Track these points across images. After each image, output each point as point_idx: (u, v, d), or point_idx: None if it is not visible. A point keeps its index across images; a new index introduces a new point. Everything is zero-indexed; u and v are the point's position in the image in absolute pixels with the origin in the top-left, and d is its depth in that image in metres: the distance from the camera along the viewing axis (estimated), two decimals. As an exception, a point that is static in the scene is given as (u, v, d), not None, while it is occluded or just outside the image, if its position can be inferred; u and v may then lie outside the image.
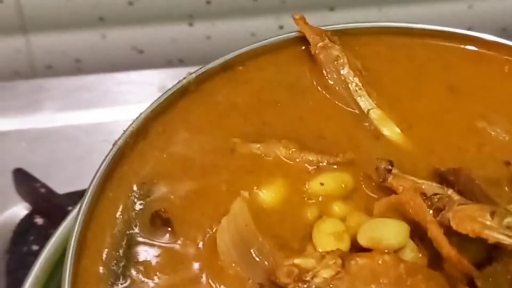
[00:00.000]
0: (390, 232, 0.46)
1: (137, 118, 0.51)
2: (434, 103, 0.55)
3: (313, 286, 0.44)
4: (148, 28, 0.98)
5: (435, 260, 0.46)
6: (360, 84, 0.55)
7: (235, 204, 0.47)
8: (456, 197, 0.46)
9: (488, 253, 0.46)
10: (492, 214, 0.44)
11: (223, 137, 0.53)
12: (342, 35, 0.58)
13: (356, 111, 0.55)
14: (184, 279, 0.46)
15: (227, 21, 1.00)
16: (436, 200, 0.46)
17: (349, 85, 0.55)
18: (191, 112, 0.54)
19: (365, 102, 0.55)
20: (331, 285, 0.44)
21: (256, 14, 1.03)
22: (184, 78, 0.54)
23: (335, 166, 0.52)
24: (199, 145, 0.52)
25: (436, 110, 0.55)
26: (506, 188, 0.51)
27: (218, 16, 1.00)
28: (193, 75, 0.54)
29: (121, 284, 0.46)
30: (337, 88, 0.56)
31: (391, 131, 0.54)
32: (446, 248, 0.43)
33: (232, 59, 0.56)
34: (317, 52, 0.56)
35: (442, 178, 0.49)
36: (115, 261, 0.47)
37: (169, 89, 0.53)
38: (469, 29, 0.61)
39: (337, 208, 0.49)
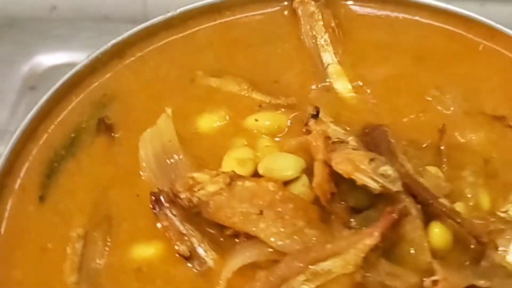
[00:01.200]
0: (284, 164, 0.50)
1: (116, 39, 0.58)
2: (395, 69, 0.58)
3: (196, 197, 0.48)
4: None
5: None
6: (328, 40, 0.59)
7: (159, 120, 0.52)
8: (353, 143, 0.49)
9: (371, 201, 0.48)
10: (371, 160, 0.47)
11: (189, 69, 0.58)
12: (333, -3, 0.61)
13: (317, 65, 0.58)
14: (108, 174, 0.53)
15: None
16: (337, 144, 0.49)
17: (318, 40, 0.59)
18: (169, 43, 0.60)
19: (327, 57, 0.58)
20: (211, 199, 0.48)
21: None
22: (169, 12, 0.60)
23: (282, 110, 0.56)
24: (166, 72, 0.58)
25: (394, 76, 0.57)
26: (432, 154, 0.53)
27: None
28: (178, 11, 0.60)
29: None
30: (307, 40, 0.59)
31: (342, 86, 0.57)
32: (318, 178, 0.46)
33: (221, 2, 0.61)
34: (296, 6, 0.60)
35: (363, 133, 0.52)
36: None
37: (153, 20, 0.59)
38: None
39: (261, 142, 0.53)
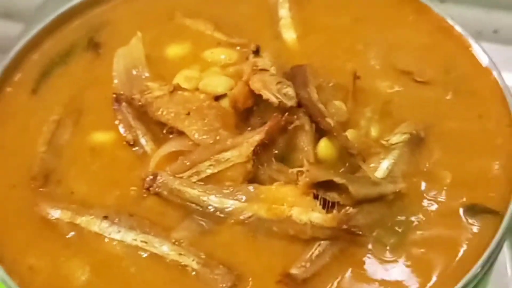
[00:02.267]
0: (217, 83, 0.63)
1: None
2: (335, 27, 0.70)
3: (144, 98, 0.62)
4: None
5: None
6: (287, 0, 0.71)
7: (132, 41, 0.66)
8: (272, 72, 0.61)
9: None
10: (278, 83, 0.59)
11: (171, 9, 0.72)
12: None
13: (274, 18, 0.71)
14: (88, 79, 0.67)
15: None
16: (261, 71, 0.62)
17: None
18: (161, -12, 0.74)
19: (283, 12, 0.71)
20: (154, 101, 0.61)
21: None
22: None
23: (238, 48, 0.69)
24: (152, 9, 0.73)
25: (333, 32, 0.69)
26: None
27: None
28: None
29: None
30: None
31: (288, 35, 0.69)
32: (234, 90, 0.59)
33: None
34: (264, -33, 0.73)
35: (290, 70, 0.64)
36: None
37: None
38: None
39: (212, 69, 0.67)
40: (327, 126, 0.58)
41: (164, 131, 0.61)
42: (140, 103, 0.62)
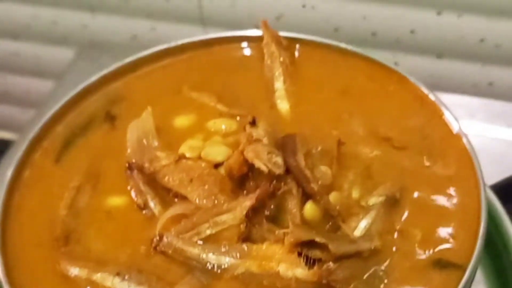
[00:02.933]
0: (217, 152, 0.71)
1: (131, 57, 0.82)
2: (324, 98, 0.78)
3: (153, 167, 0.71)
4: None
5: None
6: (281, 73, 0.80)
7: (143, 114, 0.75)
8: (265, 142, 0.70)
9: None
10: (269, 153, 0.68)
11: (179, 83, 0.81)
12: (292, 41, 0.83)
13: (270, 91, 0.80)
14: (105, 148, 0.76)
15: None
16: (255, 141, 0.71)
17: (274, 72, 0.80)
18: (170, 64, 0.83)
19: (278, 85, 0.80)
20: (162, 169, 0.70)
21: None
22: (173, 42, 0.83)
23: (238, 118, 0.77)
24: (163, 84, 0.82)
25: (321, 102, 0.78)
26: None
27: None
28: (178, 42, 0.83)
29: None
30: (266, 72, 0.81)
31: (282, 105, 0.78)
32: (230, 160, 0.68)
33: (213, 39, 0.84)
34: (263, 46, 0.82)
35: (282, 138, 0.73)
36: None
37: (159, 46, 0.83)
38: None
39: (214, 138, 0.75)
40: (311, 190, 0.66)
41: (171, 195, 0.70)
42: (150, 171, 0.70)
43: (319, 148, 0.72)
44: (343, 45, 0.80)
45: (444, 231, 0.66)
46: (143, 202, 0.70)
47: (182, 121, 0.77)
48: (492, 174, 0.96)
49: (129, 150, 0.74)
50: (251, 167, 0.68)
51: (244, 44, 0.84)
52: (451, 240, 0.65)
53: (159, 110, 0.78)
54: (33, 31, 1.48)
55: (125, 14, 1.39)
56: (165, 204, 0.70)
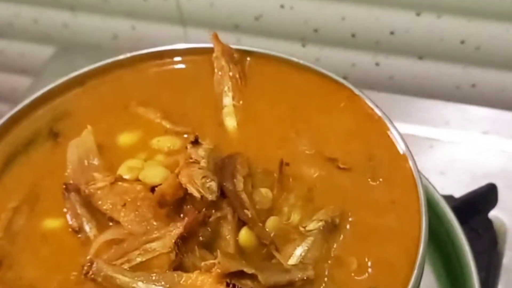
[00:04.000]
0: (155, 174, 0.69)
1: (78, 72, 0.80)
2: (273, 115, 0.76)
3: (88, 189, 0.69)
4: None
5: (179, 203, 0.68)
6: (230, 88, 0.78)
7: (84, 133, 0.73)
8: (203, 164, 0.68)
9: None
10: (203, 177, 0.66)
11: (127, 98, 0.79)
12: (245, 55, 0.80)
13: (218, 107, 0.77)
14: (46, 167, 0.74)
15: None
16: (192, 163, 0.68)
17: (223, 87, 0.78)
18: (119, 78, 0.81)
19: (226, 100, 0.77)
20: (96, 192, 0.68)
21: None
22: (122, 55, 0.81)
23: (185, 135, 0.75)
24: (110, 99, 0.80)
25: (269, 119, 0.75)
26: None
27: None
28: (128, 54, 0.81)
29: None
30: (216, 86, 0.79)
31: (230, 123, 0.76)
32: (164, 184, 0.66)
33: (163, 51, 0.81)
34: (213, 59, 0.80)
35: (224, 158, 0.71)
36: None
37: (109, 60, 0.81)
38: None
39: (157, 157, 0.73)
40: (244, 216, 0.64)
41: (106, 219, 0.68)
42: (85, 194, 0.69)
43: (261, 169, 0.70)
44: (294, 59, 0.78)
45: (382, 259, 0.63)
46: (78, 226, 0.69)
47: (126, 138, 0.75)
48: (467, 183, 0.94)
49: (68, 171, 0.72)
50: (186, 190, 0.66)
51: (196, 57, 0.81)
52: (389, 268, 0.62)
53: (104, 126, 0.76)
54: (15, 29, 1.47)
55: (105, 14, 1.38)
56: (101, 227, 0.68)
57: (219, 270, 0.60)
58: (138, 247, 0.64)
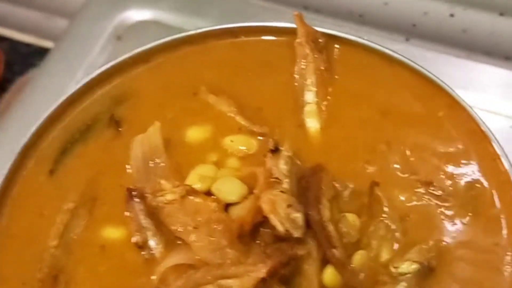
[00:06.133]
0: (231, 189, 0.62)
1: (143, 47, 0.71)
2: (361, 118, 0.67)
3: (156, 201, 0.62)
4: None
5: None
6: (314, 82, 0.69)
7: (150, 128, 0.65)
8: (285, 186, 0.60)
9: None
10: (288, 206, 0.58)
11: (196, 82, 0.70)
12: (332, 40, 0.71)
13: (299, 102, 0.69)
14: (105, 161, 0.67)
15: None
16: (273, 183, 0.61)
17: (306, 80, 0.69)
18: (187, 56, 0.72)
19: (309, 96, 0.68)
20: (165, 206, 0.61)
21: None
22: (192, 30, 0.72)
23: (260, 137, 0.67)
24: (177, 81, 0.71)
25: (356, 124, 0.67)
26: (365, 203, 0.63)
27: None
28: (198, 30, 0.71)
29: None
30: (297, 78, 0.70)
31: (312, 124, 0.67)
32: (243, 211, 0.59)
33: (238, 27, 0.72)
34: (296, 45, 0.70)
35: (305, 173, 0.63)
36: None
37: (176, 35, 0.71)
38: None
39: (230, 162, 0.66)
40: (332, 258, 0.57)
41: (175, 235, 0.61)
42: (152, 204, 0.62)
43: (348, 190, 0.62)
44: (387, 50, 0.68)
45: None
46: (142, 241, 0.62)
47: (195, 133, 0.67)
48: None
49: (132, 171, 0.65)
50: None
51: (274, 38, 0.71)
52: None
53: (170, 115, 0.69)
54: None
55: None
56: (168, 245, 0.61)
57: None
58: (212, 282, 0.57)
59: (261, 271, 0.55)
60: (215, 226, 0.59)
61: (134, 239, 0.62)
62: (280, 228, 0.57)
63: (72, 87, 0.69)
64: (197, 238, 0.59)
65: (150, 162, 0.65)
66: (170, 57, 0.72)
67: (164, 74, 0.71)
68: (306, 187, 0.61)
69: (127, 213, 0.63)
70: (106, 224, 0.63)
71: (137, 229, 0.62)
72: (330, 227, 0.59)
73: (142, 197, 0.63)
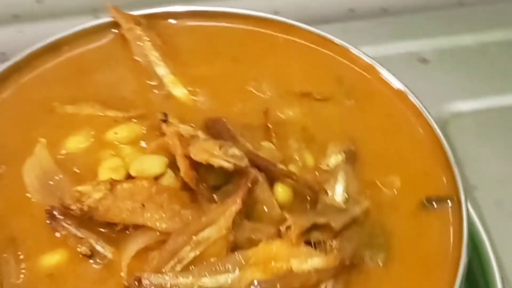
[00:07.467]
0: (151, 164, 0.61)
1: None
2: (218, 71, 0.70)
3: (86, 205, 0.58)
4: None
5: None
6: (158, 56, 0.70)
7: (36, 149, 0.62)
8: (202, 136, 0.61)
9: (226, 178, 0.61)
10: (220, 147, 0.59)
11: (46, 101, 0.68)
12: (150, 18, 0.72)
13: (154, 79, 0.70)
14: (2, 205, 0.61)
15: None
16: (190, 139, 0.61)
17: (149, 57, 0.70)
18: (24, 83, 0.69)
19: (161, 70, 0.70)
20: (99, 204, 0.58)
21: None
22: (16, 56, 0.69)
23: (134, 120, 0.67)
24: (27, 107, 0.68)
25: (219, 76, 0.70)
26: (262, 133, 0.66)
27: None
28: (25, 52, 0.69)
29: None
30: (141, 59, 0.70)
31: (180, 92, 0.69)
32: (183, 169, 0.58)
33: (58, 40, 0.71)
34: (124, 32, 0.71)
35: (206, 126, 0.64)
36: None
37: (4, 64, 0.68)
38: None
39: (124, 151, 0.64)
40: (281, 172, 0.60)
41: (117, 230, 0.59)
42: (81, 211, 0.59)
43: (242, 125, 0.65)
44: (207, 8, 0.72)
45: (417, 170, 0.63)
46: (88, 249, 0.58)
47: (75, 143, 0.65)
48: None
49: (34, 196, 0.61)
50: (197, 167, 0.60)
51: (103, 38, 0.72)
52: (428, 176, 0.62)
53: (40, 136, 0.65)
54: None
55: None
56: (115, 241, 0.59)
57: (297, 231, 0.56)
58: (187, 242, 0.57)
59: (236, 202, 0.56)
60: (158, 199, 0.58)
61: (80, 250, 0.58)
62: (227, 165, 0.58)
63: None
64: (150, 214, 0.58)
65: (49, 181, 0.62)
66: (8, 91, 0.68)
67: (10, 105, 0.68)
68: (216, 133, 0.63)
69: (57, 234, 0.59)
70: (40, 254, 0.59)
71: (77, 242, 0.59)
72: (259, 152, 0.61)
73: (65, 212, 0.59)
